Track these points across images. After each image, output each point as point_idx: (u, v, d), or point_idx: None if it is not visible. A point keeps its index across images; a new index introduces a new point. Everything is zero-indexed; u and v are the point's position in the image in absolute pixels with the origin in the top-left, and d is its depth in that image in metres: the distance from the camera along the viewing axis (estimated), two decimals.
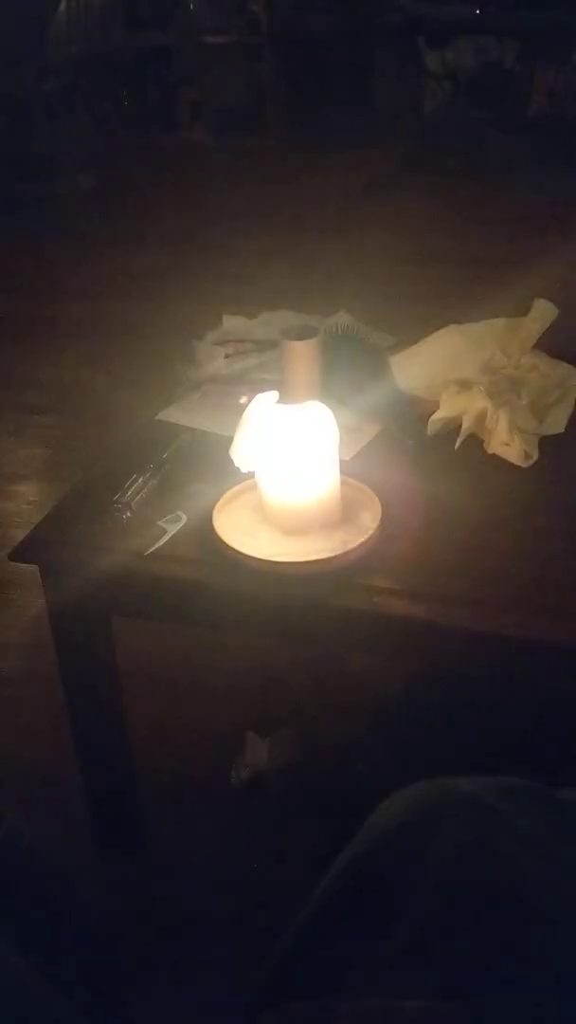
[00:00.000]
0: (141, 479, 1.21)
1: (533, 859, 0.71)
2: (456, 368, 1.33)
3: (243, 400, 1.18)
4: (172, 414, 1.38)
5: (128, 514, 1.17)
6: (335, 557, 1.06)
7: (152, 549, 1.11)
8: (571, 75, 4.23)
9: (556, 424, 1.30)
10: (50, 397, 2.66)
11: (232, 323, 1.53)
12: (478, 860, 0.71)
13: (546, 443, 1.27)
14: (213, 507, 1.14)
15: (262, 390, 1.11)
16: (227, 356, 1.42)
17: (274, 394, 1.08)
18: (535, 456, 1.25)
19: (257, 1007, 0.69)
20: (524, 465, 1.24)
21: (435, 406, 1.29)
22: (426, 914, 0.70)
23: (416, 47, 4.35)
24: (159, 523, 1.14)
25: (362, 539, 1.08)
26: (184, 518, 1.15)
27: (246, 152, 4.43)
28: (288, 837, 1.40)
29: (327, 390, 1.11)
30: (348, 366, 1.36)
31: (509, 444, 1.25)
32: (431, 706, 1.58)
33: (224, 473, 1.14)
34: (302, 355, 1.05)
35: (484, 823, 0.73)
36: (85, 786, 1.36)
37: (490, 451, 1.26)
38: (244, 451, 1.10)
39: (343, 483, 1.13)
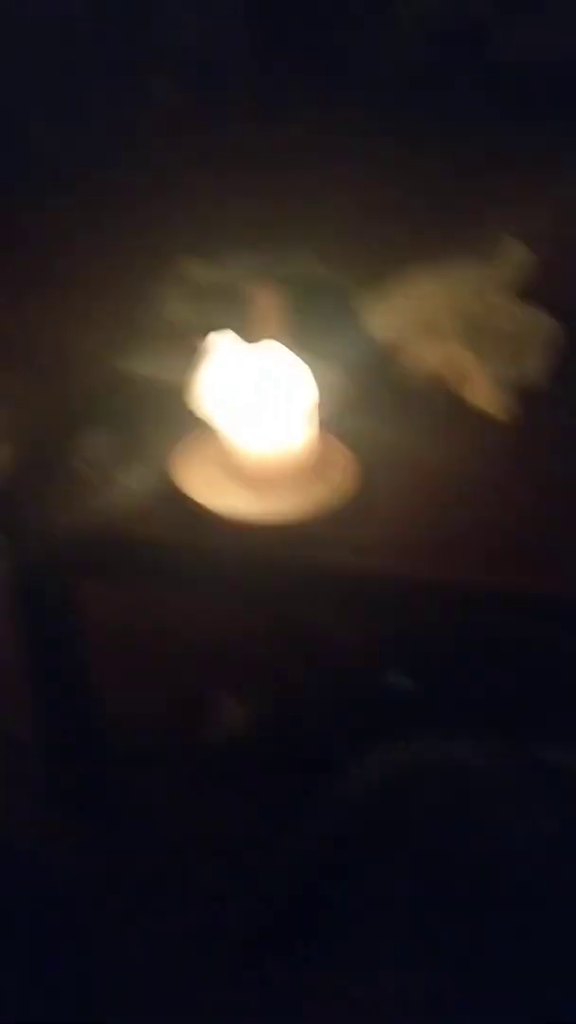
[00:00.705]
0: (100, 434, 1.17)
1: (511, 818, 0.72)
2: (430, 314, 1.31)
3: (204, 346, 1.14)
4: (131, 364, 1.33)
5: (87, 470, 1.13)
6: (307, 514, 1.04)
7: (114, 506, 1.09)
8: (545, 23, 4.19)
9: (533, 372, 1.27)
10: (7, 353, 2.60)
11: (193, 268, 1.48)
12: (455, 825, 0.73)
13: (525, 399, 1.24)
14: (176, 460, 1.11)
15: (223, 336, 1.07)
16: (187, 302, 1.37)
17: (233, 335, 1.04)
18: (513, 408, 1.23)
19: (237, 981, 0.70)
20: (502, 416, 1.22)
21: (409, 355, 1.27)
22: (406, 886, 0.72)
23: None
24: (120, 479, 1.11)
25: (335, 495, 1.06)
26: (146, 472, 1.12)
27: (213, 101, 4.34)
28: (261, 797, 1.38)
29: (297, 340, 1.08)
30: (316, 313, 1.32)
31: (486, 395, 1.23)
32: (409, 665, 1.57)
33: (186, 424, 1.12)
34: (267, 300, 1.02)
35: (460, 784, 0.74)
36: (47, 753, 1.33)
37: (467, 401, 1.24)
38: (206, 399, 1.07)
39: (316, 438, 1.11)
